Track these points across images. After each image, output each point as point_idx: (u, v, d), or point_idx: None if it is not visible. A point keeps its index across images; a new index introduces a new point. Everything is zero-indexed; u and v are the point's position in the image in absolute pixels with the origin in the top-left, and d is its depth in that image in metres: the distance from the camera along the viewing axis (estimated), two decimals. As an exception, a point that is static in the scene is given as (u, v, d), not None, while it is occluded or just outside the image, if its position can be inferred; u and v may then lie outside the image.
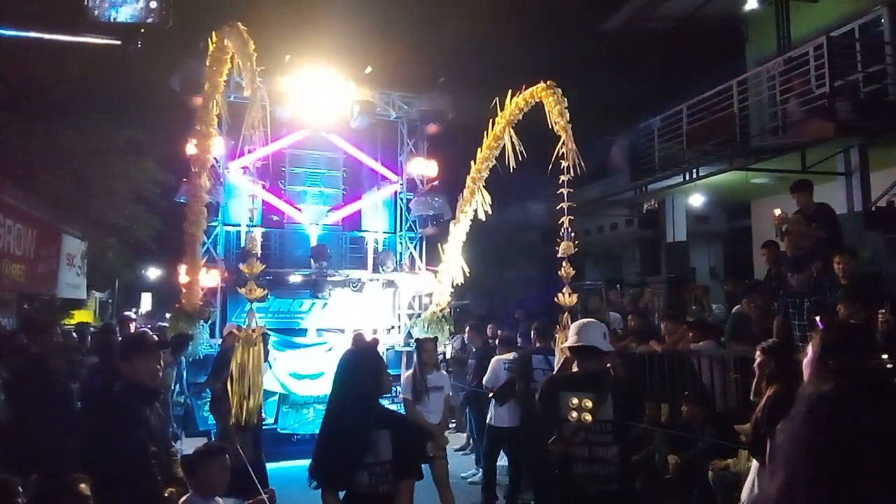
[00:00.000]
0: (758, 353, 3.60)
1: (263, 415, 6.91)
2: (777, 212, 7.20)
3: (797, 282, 6.31)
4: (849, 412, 1.01)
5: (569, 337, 3.91)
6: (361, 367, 3.21)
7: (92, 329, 9.45)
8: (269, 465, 8.49)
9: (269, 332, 6.80)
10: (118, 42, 4.47)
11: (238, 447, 5.17)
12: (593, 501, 3.53)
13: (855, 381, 1.06)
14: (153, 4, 4.26)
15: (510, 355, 7.29)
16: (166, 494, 3.49)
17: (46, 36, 4.83)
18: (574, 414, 3.55)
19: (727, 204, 14.42)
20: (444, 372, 7.33)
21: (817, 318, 5.60)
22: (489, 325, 11.14)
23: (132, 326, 9.76)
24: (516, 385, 6.86)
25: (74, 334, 8.27)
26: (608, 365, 3.95)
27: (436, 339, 7.49)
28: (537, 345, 7.05)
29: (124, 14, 4.28)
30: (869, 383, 1.06)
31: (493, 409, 7.17)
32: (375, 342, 7.50)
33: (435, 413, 6.39)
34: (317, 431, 8.65)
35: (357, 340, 7.62)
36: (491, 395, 7.20)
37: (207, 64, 7.08)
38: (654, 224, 15.60)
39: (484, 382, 7.40)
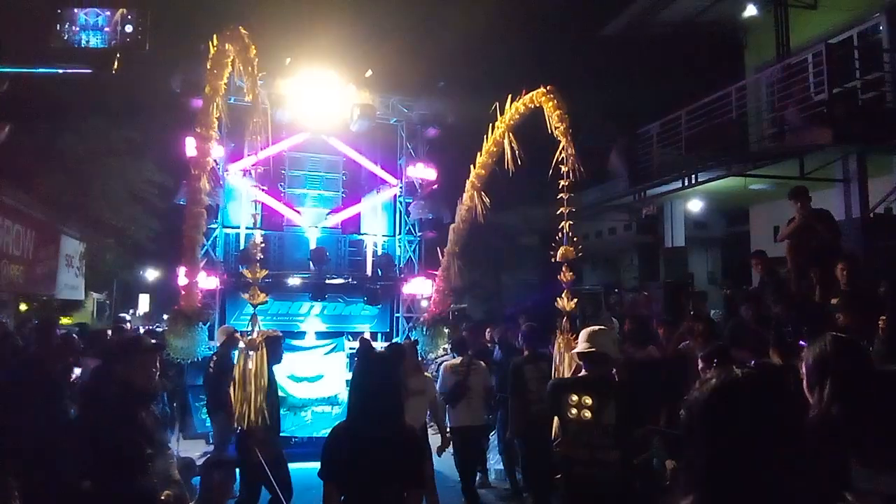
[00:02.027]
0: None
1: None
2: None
3: (780, 311, 6.34)
4: (711, 409, 1.42)
5: (580, 343, 3.94)
6: (397, 371, 3.25)
7: (91, 330, 9.42)
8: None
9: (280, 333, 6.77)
10: (89, 70, 4.45)
11: (258, 452, 5.11)
12: (593, 502, 3.55)
13: (717, 387, 1.44)
14: (128, 28, 4.25)
15: (458, 360, 7.51)
16: (162, 497, 3.48)
17: (18, 70, 4.77)
18: (574, 411, 3.60)
19: (725, 210, 14.47)
20: (429, 375, 7.32)
21: (801, 342, 5.62)
22: (487, 329, 11.14)
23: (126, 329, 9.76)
24: (464, 387, 7.16)
25: (75, 336, 8.26)
26: (613, 371, 3.97)
27: (416, 342, 7.49)
28: (525, 353, 7.07)
29: (97, 39, 4.27)
30: (727, 389, 1.43)
31: (449, 412, 7.35)
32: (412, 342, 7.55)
33: (411, 419, 6.37)
34: (315, 434, 8.58)
35: (363, 342, 7.58)
36: (441, 398, 7.35)
37: (208, 67, 7.07)
38: (652, 229, 15.64)
39: (437, 387, 7.49)
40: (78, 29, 4.16)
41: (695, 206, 13.57)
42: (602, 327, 4.16)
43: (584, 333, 4.01)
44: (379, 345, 9.33)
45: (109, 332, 8.57)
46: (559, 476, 3.80)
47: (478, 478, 7.98)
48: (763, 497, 1.33)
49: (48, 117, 12.19)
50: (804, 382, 2.34)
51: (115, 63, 4.34)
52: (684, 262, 14.55)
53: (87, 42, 4.17)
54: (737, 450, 1.37)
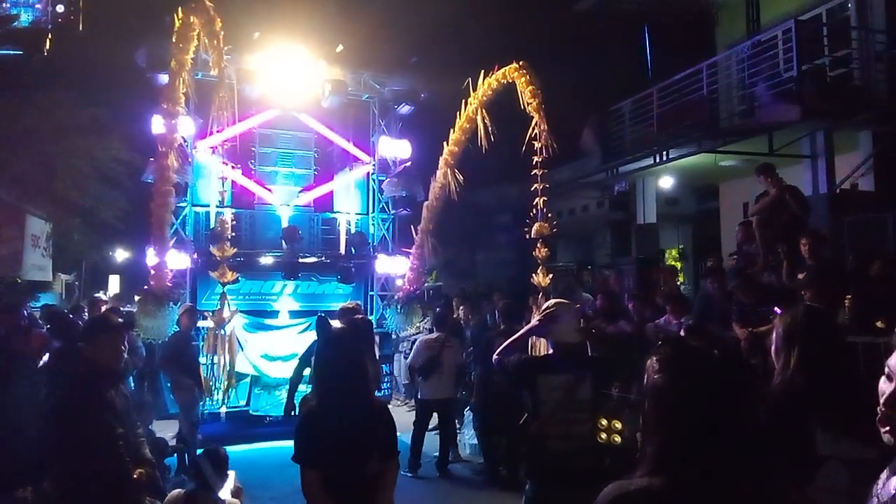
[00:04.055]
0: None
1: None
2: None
3: (744, 295, 6.44)
4: (667, 384, 1.47)
5: (545, 330, 3.89)
6: (359, 346, 3.25)
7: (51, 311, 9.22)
8: (242, 447, 8.50)
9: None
10: (19, 52, 4.28)
11: None
12: (566, 476, 3.58)
13: (672, 362, 1.50)
14: (59, 8, 4.07)
15: (434, 335, 8.04)
16: (135, 475, 3.47)
17: None
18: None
19: (696, 186, 14.61)
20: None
21: (776, 309, 5.71)
22: (461, 307, 11.18)
23: (103, 309, 9.61)
24: (437, 362, 7.69)
25: (39, 318, 8.11)
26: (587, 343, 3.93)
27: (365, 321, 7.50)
28: (502, 327, 7.17)
29: (25, 19, 4.09)
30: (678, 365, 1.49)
31: (420, 384, 7.94)
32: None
33: None
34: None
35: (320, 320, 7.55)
36: (415, 370, 7.95)
37: (174, 41, 6.93)
38: (624, 206, 15.76)
39: (409, 361, 8.08)
40: (8, 5, 3.99)
41: (666, 182, 13.68)
42: (564, 308, 3.97)
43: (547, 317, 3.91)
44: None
45: (73, 313, 8.42)
46: (529, 450, 3.82)
47: (449, 454, 8.09)
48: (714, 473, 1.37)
49: (10, 93, 11.84)
50: (772, 349, 2.40)
51: (47, 44, 4.17)
52: (656, 239, 14.70)
53: (16, 23, 3.99)
54: (687, 427, 1.42)
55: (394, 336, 10.95)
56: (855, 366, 2.63)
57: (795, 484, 2.05)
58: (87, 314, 8.76)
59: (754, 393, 1.54)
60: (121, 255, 24.97)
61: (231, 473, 4.24)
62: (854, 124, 9.87)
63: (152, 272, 7.70)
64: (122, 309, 8.83)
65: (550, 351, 3.92)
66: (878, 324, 5.20)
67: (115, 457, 3.36)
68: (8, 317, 6.02)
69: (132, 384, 8.03)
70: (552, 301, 4.09)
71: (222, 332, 6.51)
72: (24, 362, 5.58)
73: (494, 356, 4.04)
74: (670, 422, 1.44)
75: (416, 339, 8.96)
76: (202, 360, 7.91)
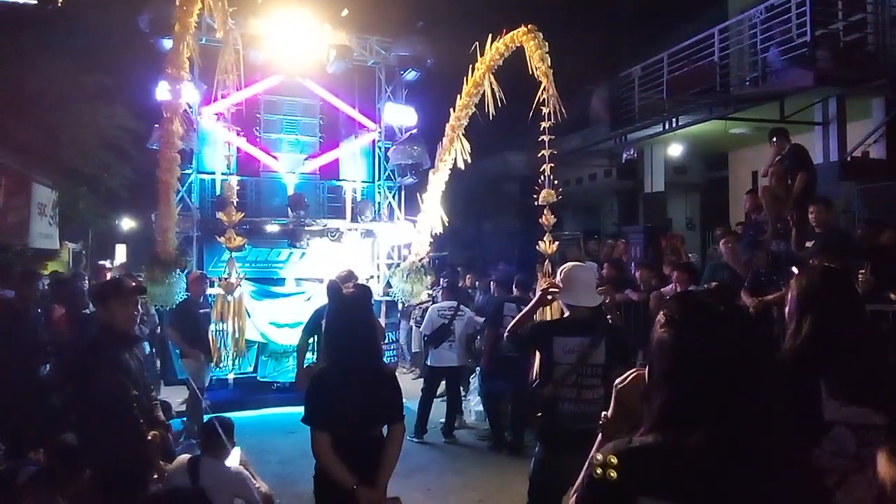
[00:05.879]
0: None
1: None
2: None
3: (756, 264, 6.40)
4: (676, 334, 1.42)
5: (563, 291, 3.89)
6: (369, 310, 3.29)
7: (56, 278, 9.27)
8: (249, 414, 8.58)
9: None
10: (34, 1, 4.23)
11: None
12: (577, 438, 3.59)
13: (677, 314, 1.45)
14: None
15: (447, 303, 8.14)
16: (149, 437, 3.52)
17: None
18: (562, 352, 3.64)
19: (705, 154, 14.48)
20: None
21: (793, 269, 5.67)
22: (468, 275, 11.18)
23: (108, 276, 9.65)
24: (448, 331, 7.84)
25: (46, 285, 8.16)
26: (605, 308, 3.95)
27: None
28: (516, 293, 7.23)
29: None
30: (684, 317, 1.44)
31: (430, 352, 8.03)
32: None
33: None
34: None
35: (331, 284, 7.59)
36: (425, 338, 8.11)
37: (177, 4, 6.82)
38: (632, 175, 15.65)
39: (421, 329, 8.24)
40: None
41: (675, 150, 13.55)
42: (581, 270, 4.01)
43: (566, 279, 3.88)
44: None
45: (82, 280, 8.47)
46: (539, 414, 3.84)
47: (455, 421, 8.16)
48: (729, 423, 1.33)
49: (13, 60, 11.76)
50: (786, 311, 2.33)
51: None
52: (663, 208, 14.62)
53: None
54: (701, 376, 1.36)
55: (400, 305, 10.97)
56: (870, 332, 2.56)
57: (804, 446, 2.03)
58: (87, 282, 8.81)
59: (765, 351, 1.48)
60: (127, 223, 24.98)
61: (237, 450, 4.28)
62: (867, 91, 9.72)
63: (159, 239, 7.69)
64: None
65: (566, 314, 3.91)
66: (893, 296, 5.16)
67: (131, 418, 3.40)
68: (25, 285, 6.06)
69: (148, 349, 8.13)
70: (569, 264, 4.08)
71: (230, 298, 6.51)
72: (38, 329, 5.63)
73: (506, 332, 4.04)
74: (675, 377, 1.39)
75: (427, 307, 8.98)
76: (211, 326, 7.94)
